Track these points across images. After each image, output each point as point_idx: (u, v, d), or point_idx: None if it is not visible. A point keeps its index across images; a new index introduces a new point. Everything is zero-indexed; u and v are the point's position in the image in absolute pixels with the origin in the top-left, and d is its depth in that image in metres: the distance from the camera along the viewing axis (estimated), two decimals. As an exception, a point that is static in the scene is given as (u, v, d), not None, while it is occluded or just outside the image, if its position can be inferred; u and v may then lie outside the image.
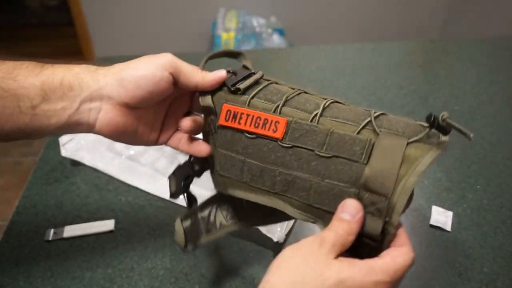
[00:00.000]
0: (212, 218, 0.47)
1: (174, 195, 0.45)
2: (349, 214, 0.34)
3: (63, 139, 0.73)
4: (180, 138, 0.45)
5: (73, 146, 0.72)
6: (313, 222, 0.38)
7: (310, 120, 0.37)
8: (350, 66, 1.02)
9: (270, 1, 2.33)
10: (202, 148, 0.43)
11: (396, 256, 0.33)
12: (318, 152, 0.36)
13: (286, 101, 0.39)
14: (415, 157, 0.34)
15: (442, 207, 0.65)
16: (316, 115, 0.37)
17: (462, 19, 2.32)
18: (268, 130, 0.37)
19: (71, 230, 0.61)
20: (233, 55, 0.45)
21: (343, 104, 0.39)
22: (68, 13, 2.36)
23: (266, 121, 0.38)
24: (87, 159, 0.71)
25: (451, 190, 0.68)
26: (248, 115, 0.38)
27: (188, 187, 0.45)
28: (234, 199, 0.42)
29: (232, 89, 0.40)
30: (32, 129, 0.38)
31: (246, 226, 0.48)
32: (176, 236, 0.45)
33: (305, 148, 0.36)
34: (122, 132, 0.41)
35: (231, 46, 2.03)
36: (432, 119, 0.34)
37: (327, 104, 0.38)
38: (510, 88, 0.94)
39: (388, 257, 0.33)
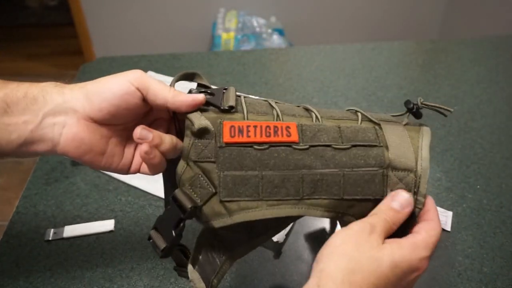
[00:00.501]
0: (210, 258, 0.42)
1: (166, 253, 0.38)
2: (399, 205, 0.35)
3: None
4: None
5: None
6: (340, 218, 0.38)
7: (314, 121, 0.38)
8: (350, 66, 1.02)
9: (270, 1, 2.33)
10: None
11: (430, 230, 0.35)
12: (336, 146, 0.37)
13: (278, 110, 0.39)
14: (415, 136, 0.38)
15: (442, 207, 0.65)
16: (316, 117, 0.38)
17: (462, 19, 2.32)
18: (282, 136, 0.36)
19: (71, 230, 0.61)
20: (190, 76, 0.43)
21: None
22: (68, 13, 2.36)
23: (276, 128, 0.37)
24: (87, 159, 0.71)
25: (451, 190, 0.68)
26: (255, 126, 0.37)
27: (181, 236, 0.38)
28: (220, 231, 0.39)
29: (226, 108, 0.37)
30: None
31: (240, 255, 0.44)
32: (195, 286, 0.39)
33: (323, 145, 0.37)
34: (87, 150, 0.38)
35: (231, 46, 2.03)
36: (411, 104, 0.39)
37: (311, 108, 0.40)
38: (510, 88, 0.94)
39: (424, 232, 0.35)
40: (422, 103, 0.39)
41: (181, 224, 0.37)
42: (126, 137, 0.41)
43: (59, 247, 0.59)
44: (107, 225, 0.61)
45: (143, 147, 0.36)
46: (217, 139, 0.37)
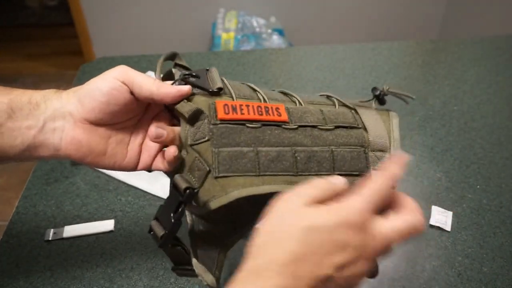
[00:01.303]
0: (207, 251, 0.42)
1: (164, 241, 0.36)
2: (338, 180, 0.34)
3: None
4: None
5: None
6: None
7: (298, 104, 0.41)
8: (350, 66, 1.02)
9: (270, 1, 2.33)
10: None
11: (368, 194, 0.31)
12: (322, 127, 0.40)
13: (261, 93, 0.41)
14: (386, 119, 0.43)
15: (442, 207, 0.65)
16: (299, 102, 0.42)
17: (462, 19, 2.32)
18: (273, 115, 0.38)
19: (71, 230, 0.61)
20: (171, 57, 0.43)
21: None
22: (68, 13, 2.36)
23: (267, 108, 0.39)
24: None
25: (450, 190, 0.68)
26: (248, 105, 0.38)
27: (180, 222, 0.36)
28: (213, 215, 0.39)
29: (214, 90, 0.38)
30: None
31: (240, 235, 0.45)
32: (203, 279, 0.39)
33: (310, 126, 0.39)
34: (88, 151, 0.39)
35: (231, 46, 2.03)
36: (378, 91, 0.45)
37: (290, 93, 0.43)
38: (510, 88, 0.94)
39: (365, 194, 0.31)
40: (387, 90, 0.44)
41: (180, 209, 0.35)
42: (127, 136, 0.41)
43: (59, 247, 0.59)
44: (107, 225, 0.61)
45: (171, 150, 0.37)
46: (212, 116, 0.37)
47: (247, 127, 0.37)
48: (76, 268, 0.56)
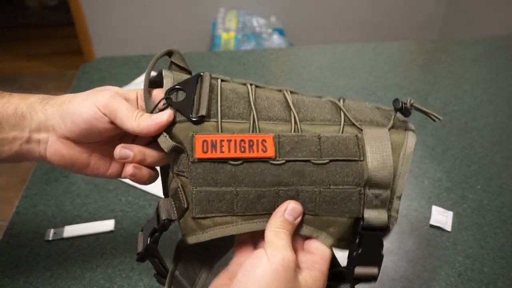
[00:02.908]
0: (189, 271, 0.42)
1: (140, 258, 0.37)
2: (292, 216, 0.35)
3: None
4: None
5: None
6: (316, 237, 0.37)
7: (292, 130, 0.36)
8: (350, 66, 1.02)
9: (270, 1, 2.33)
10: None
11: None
12: (314, 161, 0.35)
13: (257, 114, 0.36)
14: (399, 143, 0.37)
15: (442, 207, 0.65)
16: (295, 122, 0.37)
17: (462, 19, 2.32)
18: (258, 151, 0.34)
19: (71, 230, 0.61)
20: (168, 54, 0.41)
21: (301, 95, 0.40)
22: (68, 13, 2.36)
23: (251, 142, 0.35)
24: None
25: (451, 190, 0.68)
26: (229, 140, 0.35)
27: (156, 245, 0.36)
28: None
29: (195, 119, 0.35)
30: None
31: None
32: None
33: (300, 161, 0.35)
34: (70, 163, 0.39)
35: (231, 46, 2.02)
36: (400, 104, 0.37)
37: (290, 101, 0.38)
38: (510, 88, 0.94)
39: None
40: (411, 105, 0.37)
41: (155, 234, 0.36)
42: (110, 149, 0.40)
43: (59, 247, 0.59)
44: (107, 225, 0.61)
45: (128, 170, 0.37)
46: (189, 154, 0.35)
47: (229, 164, 0.35)
48: (76, 268, 0.56)
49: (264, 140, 0.35)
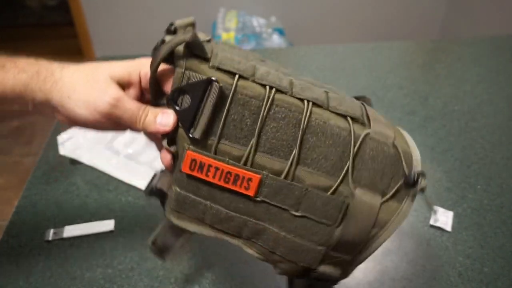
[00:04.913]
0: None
1: (147, 190, 0.41)
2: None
3: (62, 137, 0.73)
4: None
5: (71, 145, 0.72)
6: (269, 263, 0.38)
7: (284, 174, 0.34)
8: (350, 66, 1.02)
9: (270, 1, 2.33)
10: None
11: None
12: (289, 211, 0.35)
13: (257, 143, 0.34)
14: (385, 221, 0.35)
15: (443, 207, 0.65)
16: (291, 165, 0.34)
17: (462, 19, 2.32)
18: (240, 187, 0.34)
19: (71, 230, 0.60)
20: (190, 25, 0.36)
21: (325, 108, 0.35)
22: (68, 13, 2.36)
23: (237, 177, 0.34)
24: (86, 158, 0.71)
25: (451, 190, 0.68)
26: (217, 168, 0.34)
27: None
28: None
29: (194, 137, 0.34)
30: None
31: None
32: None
33: (276, 207, 0.35)
34: (87, 127, 0.40)
35: (231, 46, 2.02)
36: (411, 181, 0.35)
37: (301, 131, 0.34)
38: (510, 88, 0.94)
39: None
40: (421, 189, 0.35)
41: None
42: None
43: (59, 247, 0.59)
44: (107, 225, 0.61)
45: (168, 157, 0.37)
46: (179, 162, 0.36)
47: (213, 185, 0.35)
48: (76, 268, 0.56)
49: (250, 179, 0.34)
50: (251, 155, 0.34)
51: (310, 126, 0.34)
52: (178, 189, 0.37)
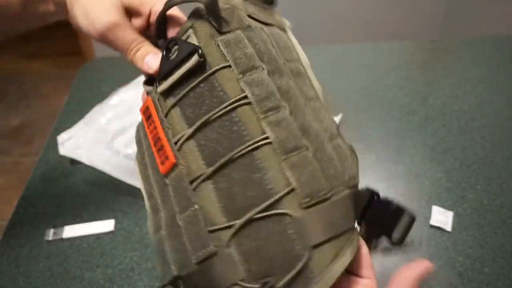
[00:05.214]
0: None
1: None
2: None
3: (62, 137, 0.73)
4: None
5: (71, 144, 0.72)
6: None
7: (193, 178, 0.32)
8: (350, 66, 1.02)
9: (270, 1, 2.33)
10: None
11: None
12: (176, 215, 0.33)
13: (194, 134, 0.32)
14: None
15: (443, 207, 0.65)
16: (202, 175, 0.31)
17: (462, 19, 2.32)
18: (160, 157, 0.34)
19: (71, 230, 0.60)
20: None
21: (277, 158, 0.30)
22: (68, 13, 2.36)
23: (162, 147, 0.34)
24: (86, 158, 0.70)
25: (451, 190, 0.68)
26: (155, 127, 0.35)
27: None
28: None
29: (156, 85, 0.36)
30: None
31: None
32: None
33: (171, 202, 0.34)
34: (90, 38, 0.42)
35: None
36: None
37: (240, 155, 0.31)
38: (510, 88, 0.94)
39: None
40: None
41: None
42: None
43: (59, 247, 0.59)
44: (107, 225, 0.61)
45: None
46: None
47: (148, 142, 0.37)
48: (76, 268, 0.56)
49: (167, 157, 0.33)
50: (183, 139, 0.32)
51: (242, 161, 0.30)
52: (136, 128, 0.40)
